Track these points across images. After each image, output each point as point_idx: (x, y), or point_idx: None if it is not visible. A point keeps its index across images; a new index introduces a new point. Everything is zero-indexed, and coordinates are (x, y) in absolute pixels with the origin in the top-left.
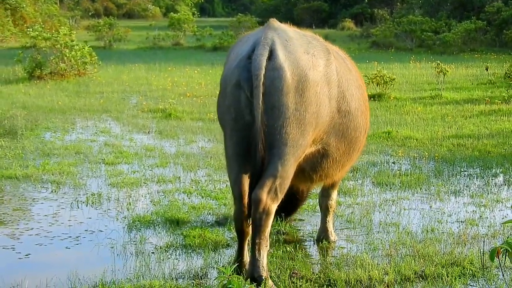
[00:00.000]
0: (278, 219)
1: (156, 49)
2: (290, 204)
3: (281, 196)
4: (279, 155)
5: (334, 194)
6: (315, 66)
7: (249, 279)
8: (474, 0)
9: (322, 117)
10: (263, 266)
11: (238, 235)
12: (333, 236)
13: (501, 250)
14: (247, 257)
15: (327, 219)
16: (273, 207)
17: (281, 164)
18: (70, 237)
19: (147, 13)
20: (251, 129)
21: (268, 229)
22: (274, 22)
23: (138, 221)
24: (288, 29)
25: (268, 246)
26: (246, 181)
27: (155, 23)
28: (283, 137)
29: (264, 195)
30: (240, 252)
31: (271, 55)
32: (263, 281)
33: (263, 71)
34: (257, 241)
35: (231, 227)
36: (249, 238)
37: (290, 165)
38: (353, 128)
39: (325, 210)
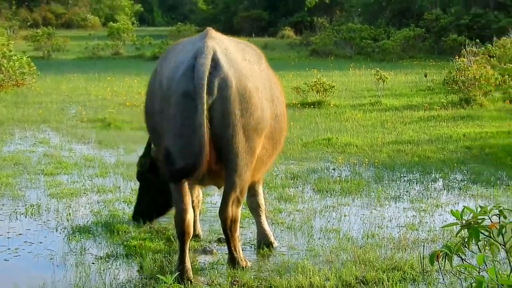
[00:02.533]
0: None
1: (95, 59)
2: (161, 206)
3: (243, 200)
4: (234, 168)
5: (261, 190)
6: (253, 72)
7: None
8: (413, 7)
9: (267, 121)
10: (242, 259)
11: (181, 238)
12: (272, 238)
13: (440, 254)
14: (189, 263)
15: (262, 219)
16: (239, 213)
17: (237, 177)
18: (9, 249)
19: (86, 22)
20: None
21: (238, 231)
22: (211, 31)
23: (78, 231)
24: (223, 37)
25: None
26: (186, 182)
27: (94, 32)
28: (235, 147)
29: (229, 211)
30: (183, 258)
31: (215, 64)
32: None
33: (205, 81)
34: (231, 244)
35: (172, 236)
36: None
37: (246, 174)
38: (279, 131)
39: (257, 209)
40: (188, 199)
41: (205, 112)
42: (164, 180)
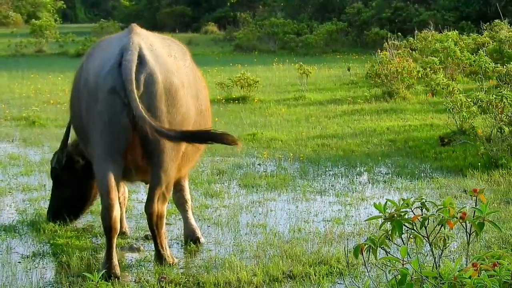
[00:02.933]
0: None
1: (18, 57)
2: (78, 207)
3: (169, 196)
4: (159, 164)
5: (187, 185)
6: (179, 68)
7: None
8: (335, 1)
9: (191, 117)
10: (169, 256)
11: (108, 233)
12: (200, 233)
13: (364, 247)
14: (116, 259)
15: (188, 215)
16: (164, 209)
17: (163, 172)
18: None
19: (8, 20)
20: (126, 132)
21: (164, 227)
22: (136, 27)
23: (4, 230)
24: (148, 33)
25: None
26: (113, 178)
27: (17, 30)
28: (161, 143)
29: (155, 206)
30: (110, 254)
31: (141, 60)
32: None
33: (133, 76)
34: (158, 240)
35: (98, 234)
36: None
37: (171, 169)
38: (204, 126)
39: (183, 204)
40: (114, 194)
41: (140, 105)
42: (84, 176)
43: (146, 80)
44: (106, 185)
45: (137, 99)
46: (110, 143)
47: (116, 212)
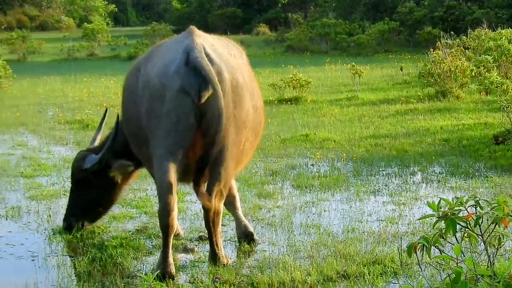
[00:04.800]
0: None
1: (71, 61)
2: (98, 212)
3: (226, 193)
4: (221, 160)
5: (234, 183)
6: (240, 66)
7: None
8: (386, 1)
9: (251, 115)
10: (223, 256)
11: (165, 232)
12: (252, 228)
13: (418, 245)
14: (172, 258)
15: (238, 212)
16: (221, 206)
17: (223, 169)
18: None
19: (60, 24)
20: (192, 131)
21: (220, 225)
22: (195, 29)
23: (59, 232)
24: (206, 34)
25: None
26: (174, 177)
27: (69, 34)
28: (223, 140)
29: (213, 202)
30: (166, 253)
31: (208, 59)
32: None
33: (212, 69)
34: (213, 238)
35: (152, 235)
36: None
37: (231, 167)
38: (259, 123)
39: (233, 202)
40: (174, 194)
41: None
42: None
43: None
44: (167, 184)
45: (221, 91)
46: (175, 143)
47: (174, 212)
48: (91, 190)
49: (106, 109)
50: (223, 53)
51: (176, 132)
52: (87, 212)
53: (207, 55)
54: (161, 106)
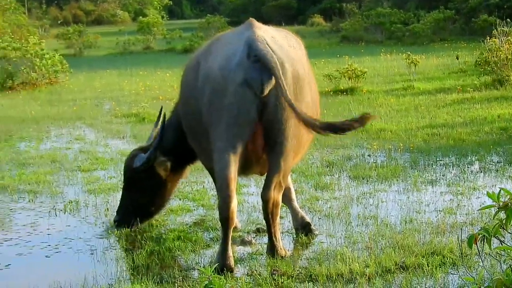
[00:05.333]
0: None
1: (126, 54)
2: (145, 212)
3: (284, 184)
4: (281, 151)
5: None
6: (300, 58)
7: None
8: None
9: (310, 106)
10: (281, 247)
11: (225, 225)
12: (309, 219)
13: (478, 237)
14: (231, 251)
15: (294, 203)
16: (280, 198)
17: (283, 160)
18: (50, 245)
19: (116, 18)
20: (253, 123)
21: (278, 217)
22: (254, 21)
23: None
24: (266, 26)
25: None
26: (234, 169)
27: (124, 28)
28: (286, 131)
29: (272, 193)
30: (225, 245)
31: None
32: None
33: (278, 62)
34: (272, 230)
35: (210, 228)
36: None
37: (290, 158)
38: (315, 114)
39: (288, 194)
40: (234, 186)
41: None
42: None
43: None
44: (227, 177)
45: (286, 85)
46: (236, 135)
47: (234, 204)
48: (143, 189)
49: (162, 107)
50: (283, 45)
51: (238, 125)
52: (138, 212)
53: (270, 47)
54: (222, 99)
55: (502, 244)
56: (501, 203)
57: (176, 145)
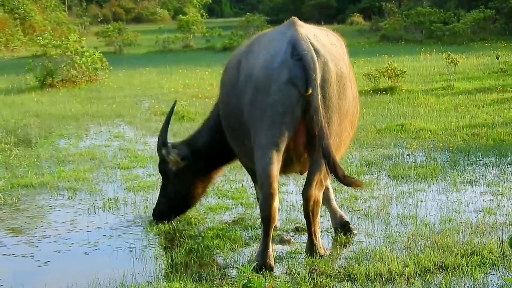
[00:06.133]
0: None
1: (166, 52)
2: (183, 205)
3: (326, 183)
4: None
5: None
6: (342, 56)
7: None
8: None
9: (351, 104)
10: (320, 246)
11: (266, 223)
12: (347, 217)
13: None
14: (271, 249)
15: (333, 203)
16: (321, 196)
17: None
18: (89, 242)
19: (155, 16)
20: (296, 122)
21: (319, 215)
22: (297, 20)
23: (156, 224)
24: (308, 25)
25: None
26: (277, 167)
27: (164, 26)
28: (330, 129)
29: (313, 191)
30: (266, 244)
31: (315, 50)
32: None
33: (317, 65)
34: (312, 228)
35: (249, 226)
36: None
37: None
38: (356, 113)
39: (326, 193)
40: (276, 184)
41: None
42: (192, 174)
43: (322, 69)
44: (269, 175)
45: (319, 89)
46: (279, 134)
47: (276, 202)
48: (172, 183)
49: (175, 102)
50: (326, 44)
51: (281, 123)
52: (167, 206)
53: (313, 46)
54: (266, 97)
55: None
56: None
57: (213, 145)
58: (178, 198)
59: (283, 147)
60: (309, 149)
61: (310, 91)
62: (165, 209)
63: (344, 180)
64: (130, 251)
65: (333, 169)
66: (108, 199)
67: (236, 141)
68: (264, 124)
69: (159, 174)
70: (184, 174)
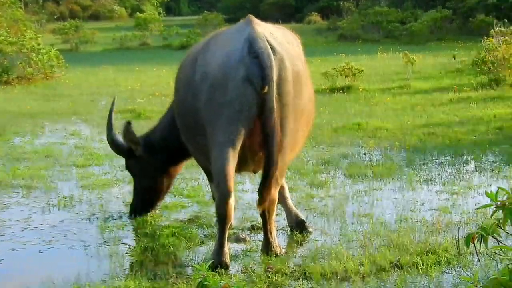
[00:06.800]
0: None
1: (123, 50)
2: (150, 200)
3: (281, 181)
4: (279, 149)
5: None
6: (298, 54)
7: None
8: None
9: (307, 104)
10: (276, 245)
11: (222, 220)
12: (302, 216)
13: (476, 235)
14: (227, 248)
15: (288, 201)
16: (277, 194)
17: (281, 156)
18: (43, 241)
19: (113, 14)
20: (252, 120)
21: (274, 214)
22: (253, 18)
23: (111, 222)
24: (264, 23)
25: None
26: (233, 166)
27: (121, 24)
28: (285, 127)
29: (269, 190)
30: (222, 242)
31: (271, 48)
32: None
33: (273, 63)
34: (267, 227)
35: (204, 224)
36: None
37: (288, 154)
38: (312, 112)
39: (282, 192)
40: (232, 183)
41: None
42: (154, 168)
43: (279, 67)
44: (225, 173)
45: (274, 88)
46: (235, 132)
47: (232, 201)
48: (138, 180)
49: (115, 97)
50: (282, 42)
51: (238, 121)
52: (141, 201)
53: (270, 44)
54: (222, 95)
55: (498, 244)
56: (499, 203)
57: (168, 142)
58: (144, 193)
59: (239, 145)
60: (264, 148)
61: (266, 89)
62: (137, 204)
63: (266, 188)
64: (85, 250)
65: (270, 169)
66: (64, 197)
67: (191, 139)
68: (220, 122)
69: (115, 172)
70: (145, 170)
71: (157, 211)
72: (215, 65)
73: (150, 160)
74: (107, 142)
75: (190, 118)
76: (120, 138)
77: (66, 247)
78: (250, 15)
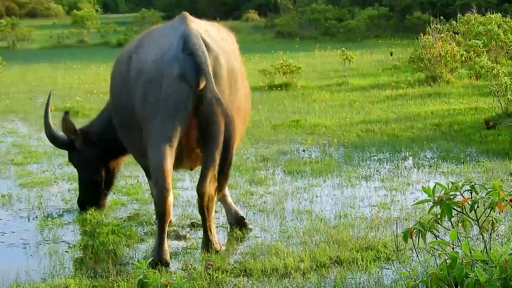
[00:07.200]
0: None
1: (60, 48)
2: (95, 192)
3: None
4: (217, 144)
5: None
6: (233, 51)
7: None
8: None
9: (243, 100)
10: (216, 242)
11: (161, 218)
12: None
13: (414, 231)
14: (167, 245)
15: (227, 198)
16: (214, 191)
17: (217, 154)
18: None
19: (50, 11)
20: (188, 117)
21: (214, 211)
22: (188, 15)
23: (50, 220)
24: (199, 20)
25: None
26: (171, 162)
27: (59, 21)
28: (219, 125)
29: (207, 187)
30: (161, 239)
31: (206, 45)
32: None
33: (208, 59)
34: (207, 224)
35: (144, 222)
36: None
37: None
38: (248, 109)
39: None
40: (170, 180)
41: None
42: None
43: (214, 64)
44: (163, 170)
45: (214, 82)
46: (172, 129)
47: (171, 198)
48: (80, 173)
49: (50, 93)
50: (217, 39)
51: (174, 118)
52: (85, 194)
53: (204, 41)
54: (157, 92)
55: (436, 239)
56: (436, 198)
57: (104, 137)
58: (87, 185)
59: (176, 142)
60: (201, 145)
61: (201, 86)
62: (84, 197)
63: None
64: (24, 248)
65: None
66: (2, 196)
67: (127, 135)
68: (156, 119)
69: (54, 170)
70: (86, 163)
71: (106, 206)
72: (149, 62)
73: (90, 153)
74: (45, 139)
75: (126, 116)
76: (59, 132)
77: (5, 245)
78: (184, 12)
